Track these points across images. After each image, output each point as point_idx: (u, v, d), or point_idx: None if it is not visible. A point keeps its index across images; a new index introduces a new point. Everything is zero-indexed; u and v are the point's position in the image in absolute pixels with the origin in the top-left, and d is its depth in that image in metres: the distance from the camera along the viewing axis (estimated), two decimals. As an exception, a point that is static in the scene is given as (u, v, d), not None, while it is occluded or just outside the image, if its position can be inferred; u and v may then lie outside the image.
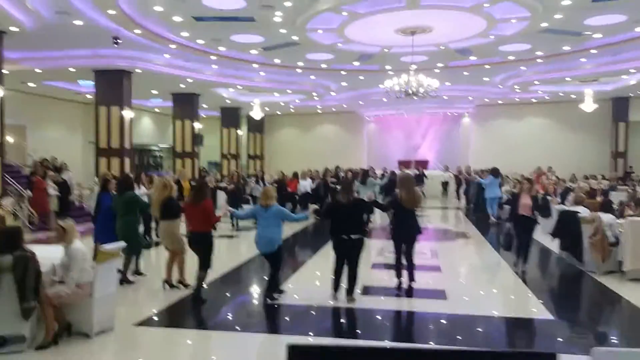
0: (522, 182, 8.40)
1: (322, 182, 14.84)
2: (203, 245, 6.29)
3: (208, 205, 6.33)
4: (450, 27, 11.82)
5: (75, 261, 4.72)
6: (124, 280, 6.96)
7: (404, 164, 22.18)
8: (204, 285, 6.39)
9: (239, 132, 23.31)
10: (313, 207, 6.88)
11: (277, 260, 6.25)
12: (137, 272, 7.52)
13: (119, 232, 6.84)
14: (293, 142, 26.43)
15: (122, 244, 5.96)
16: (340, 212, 6.17)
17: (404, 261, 6.82)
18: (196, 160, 19.44)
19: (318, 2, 9.85)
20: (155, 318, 5.81)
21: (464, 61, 15.46)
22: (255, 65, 15.48)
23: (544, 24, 11.33)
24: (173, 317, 5.98)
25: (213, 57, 14.33)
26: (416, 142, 25.03)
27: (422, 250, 9.84)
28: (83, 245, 4.91)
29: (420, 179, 14.07)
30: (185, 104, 18.92)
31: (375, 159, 24.54)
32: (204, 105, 21.18)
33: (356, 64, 15.59)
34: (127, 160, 14.87)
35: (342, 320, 5.96)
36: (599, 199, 11.00)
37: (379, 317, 5.79)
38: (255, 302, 6.58)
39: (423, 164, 23.08)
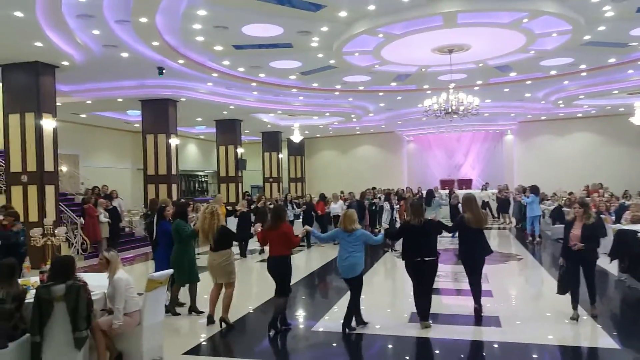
0: (575, 207, 6.46)
1: (356, 204, 14.71)
2: (283, 270, 6.13)
3: (287, 229, 6.26)
4: (488, 44, 11.69)
5: (119, 292, 4.77)
6: (169, 311, 6.86)
7: (447, 183, 21.85)
8: (283, 316, 6.27)
9: (280, 155, 23.65)
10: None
11: (359, 286, 6.16)
12: (178, 303, 7.26)
13: (172, 261, 6.78)
14: (332, 163, 26.57)
15: (170, 271, 5.83)
16: (412, 234, 6.20)
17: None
18: (240, 184, 19.82)
19: (353, 25, 9.98)
20: (205, 346, 5.82)
21: (504, 77, 15.21)
22: (294, 90, 15.76)
23: (587, 37, 11.04)
24: (225, 345, 5.98)
25: (253, 84, 14.70)
26: (458, 161, 24.66)
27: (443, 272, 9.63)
28: (126, 274, 4.97)
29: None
30: (228, 130, 19.43)
31: (416, 179, 24.32)
32: (246, 131, 21.67)
33: (394, 84, 15.61)
34: (174, 186, 15.34)
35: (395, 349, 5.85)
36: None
37: (438, 346, 5.69)
38: (319, 329, 6.35)
39: (466, 182, 22.67)
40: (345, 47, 11.09)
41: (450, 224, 7.48)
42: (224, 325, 6.35)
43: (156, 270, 6.61)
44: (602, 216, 11.50)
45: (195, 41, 10.69)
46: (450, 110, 12.87)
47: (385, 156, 25.83)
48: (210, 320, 6.46)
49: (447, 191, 18.11)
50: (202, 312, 6.83)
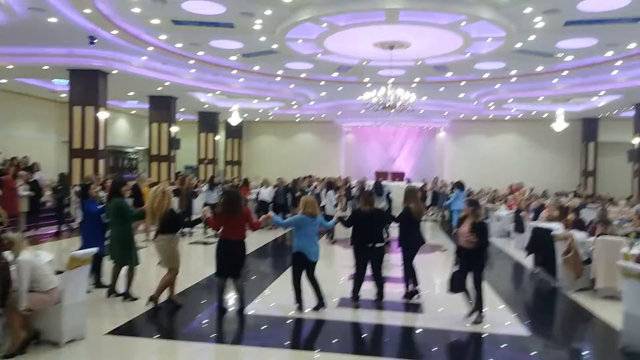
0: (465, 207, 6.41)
1: (283, 190, 14.53)
2: (239, 254, 6.11)
3: (247, 213, 6.30)
4: (427, 44, 12.05)
5: (21, 274, 4.52)
6: (112, 292, 6.61)
7: (381, 174, 22.41)
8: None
9: (217, 137, 23.19)
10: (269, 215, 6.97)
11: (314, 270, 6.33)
12: (100, 284, 6.92)
13: (113, 242, 6.46)
14: (271, 149, 26.44)
15: (93, 250, 5.54)
16: (363, 222, 6.48)
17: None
18: (172, 164, 19.25)
19: (298, 12, 9.94)
20: (130, 327, 5.68)
21: (440, 77, 15.75)
22: (234, 72, 15.48)
23: (518, 44, 11.65)
24: (147, 326, 5.89)
25: (191, 62, 14.29)
26: (393, 154, 25.32)
27: (398, 262, 9.95)
28: (31, 255, 4.70)
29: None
30: (161, 107, 18.74)
31: (353, 169, 24.72)
32: (182, 109, 21.03)
33: (335, 74, 15.73)
34: (101, 162, 14.63)
35: (317, 332, 5.95)
36: (570, 216, 11.26)
37: (353, 330, 5.87)
38: (232, 311, 6.42)
39: (399, 175, 23.33)
40: (289, 33, 11.03)
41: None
42: (151, 304, 6.25)
43: (82, 249, 6.30)
44: (521, 214, 12.28)
45: (131, 12, 10.21)
46: (388, 104, 13.17)
47: (324, 145, 26.05)
48: (154, 301, 6.26)
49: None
50: (136, 299, 6.53)
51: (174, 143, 19.04)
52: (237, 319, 6.09)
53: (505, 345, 5.53)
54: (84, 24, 10.70)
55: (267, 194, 14.44)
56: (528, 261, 9.66)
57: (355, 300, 6.55)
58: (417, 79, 16.13)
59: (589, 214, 12.03)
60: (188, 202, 13.11)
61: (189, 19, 10.61)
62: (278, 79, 16.35)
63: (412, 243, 7.02)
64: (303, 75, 15.81)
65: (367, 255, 6.47)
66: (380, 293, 6.67)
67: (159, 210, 6.13)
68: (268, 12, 10.04)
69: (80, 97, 14.33)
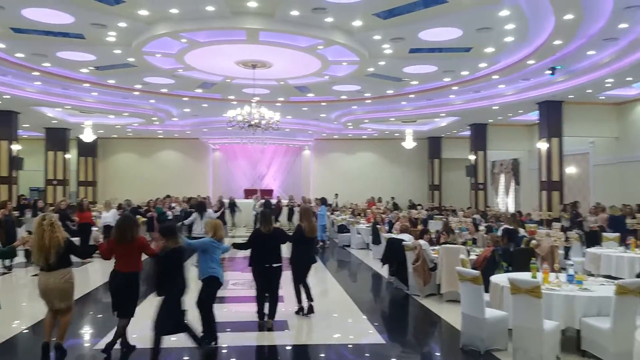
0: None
1: (131, 213, 13.23)
2: (134, 288, 5.51)
3: (143, 241, 5.63)
4: (289, 65, 12.44)
5: None
6: None
7: (250, 192, 22.43)
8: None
9: (67, 155, 21.21)
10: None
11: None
12: None
13: None
14: (131, 168, 24.91)
15: None
16: (262, 242, 6.46)
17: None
18: (14, 185, 17.16)
19: (155, 26, 9.62)
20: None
21: (302, 97, 16.34)
22: (86, 85, 14.40)
23: (371, 69, 12.58)
24: None
25: (35, 73, 12.99)
26: (261, 172, 25.52)
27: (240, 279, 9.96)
28: None
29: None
30: (1, 123, 16.70)
31: (221, 187, 24.37)
32: (25, 125, 18.94)
33: (199, 90, 15.46)
34: None
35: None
36: (420, 227, 12.34)
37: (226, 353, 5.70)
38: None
39: (268, 192, 23.56)
40: (146, 47, 10.61)
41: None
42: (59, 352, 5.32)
43: None
44: (377, 226, 13.14)
45: (-40, 15, 9.02)
46: (253, 122, 13.28)
47: (190, 163, 25.29)
48: (47, 348, 5.28)
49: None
50: None
51: (15, 163, 17.03)
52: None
53: (368, 354, 5.85)
54: None
55: (111, 217, 12.88)
56: (384, 271, 10.29)
57: (262, 319, 6.51)
58: (281, 98, 16.53)
59: (435, 225, 13.35)
60: (9, 231, 11.06)
61: (32, 27, 9.68)
62: (136, 93, 15.57)
63: (305, 261, 7.15)
64: (164, 90, 15.27)
65: (266, 275, 6.45)
66: (272, 313, 6.55)
67: (54, 246, 5.25)
68: (122, 25, 9.58)
69: None
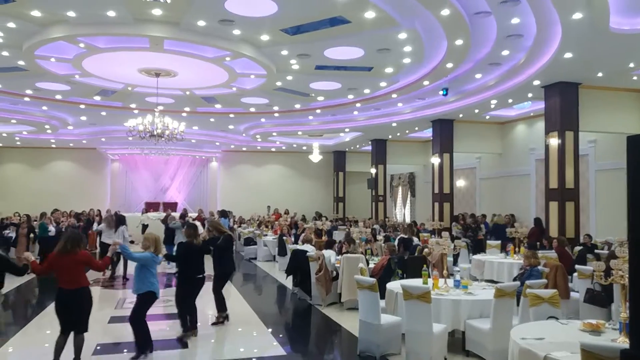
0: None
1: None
2: (86, 304, 5.35)
3: (85, 255, 5.43)
4: (195, 74, 12.25)
5: None
6: None
7: (152, 205, 21.54)
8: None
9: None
10: None
11: None
12: None
13: None
14: (20, 179, 22.88)
15: None
16: (193, 254, 6.76)
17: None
18: None
19: (50, 28, 9.06)
20: None
21: (210, 108, 16.12)
22: (-34, 88, 13.12)
23: (279, 83, 12.77)
24: None
25: None
26: (165, 184, 24.63)
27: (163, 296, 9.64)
28: None
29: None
30: None
31: (120, 200, 23.19)
32: None
33: (97, 98, 14.68)
34: None
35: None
36: (324, 238, 12.67)
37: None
38: None
39: (172, 205, 22.81)
40: (39, 50, 9.94)
41: None
42: None
43: None
44: (284, 237, 13.29)
45: None
46: (155, 132, 12.87)
47: (86, 174, 23.77)
48: None
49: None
50: None
51: None
52: None
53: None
54: None
55: None
56: (289, 282, 10.44)
57: (186, 331, 6.70)
58: (187, 108, 16.18)
59: (339, 235, 13.78)
60: None
61: None
62: (27, 99, 14.43)
63: (226, 270, 7.55)
64: (58, 97, 14.31)
65: (191, 286, 6.77)
66: (193, 324, 6.83)
67: None
68: (11, 25, 8.91)
69: None
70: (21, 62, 10.91)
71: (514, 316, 5.81)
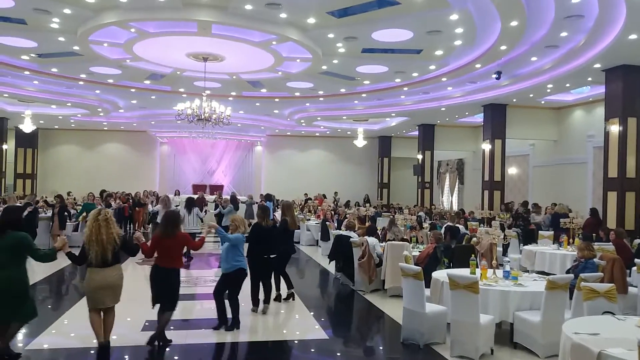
0: None
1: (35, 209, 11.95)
2: (176, 284, 5.66)
3: (185, 236, 5.87)
4: (241, 59, 12.33)
5: None
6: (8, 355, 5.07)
7: (199, 187, 22.03)
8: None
9: (4, 146, 20.11)
10: None
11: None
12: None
13: (17, 289, 4.93)
14: (73, 160, 23.92)
15: None
16: (263, 234, 7.00)
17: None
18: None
19: (103, 14, 9.30)
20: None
21: (255, 92, 16.22)
22: (26, 73, 13.70)
23: (324, 67, 12.67)
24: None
25: (-30, 58, 12.27)
26: (211, 167, 25.13)
27: (209, 276, 9.87)
28: None
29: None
30: None
31: (168, 182, 23.85)
32: (-43, 113, 17.86)
33: (147, 82, 15.05)
34: None
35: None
36: (368, 224, 12.55)
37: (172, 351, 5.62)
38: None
39: (218, 188, 23.24)
40: (93, 35, 10.24)
41: None
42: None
43: None
44: (327, 222, 13.28)
45: None
46: (203, 117, 13.07)
47: (137, 156, 24.55)
48: (106, 347, 5.20)
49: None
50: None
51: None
52: None
53: (313, 349, 5.92)
54: None
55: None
56: (332, 267, 10.41)
57: (256, 305, 7.12)
58: (233, 93, 16.34)
59: (383, 222, 13.63)
60: None
61: (-34, 8, 9.15)
62: (81, 83, 14.96)
63: (287, 251, 7.88)
64: (110, 80, 14.76)
65: (264, 266, 7.05)
66: (267, 299, 7.26)
67: (110, 242, 5.07)
68: (67, 11, 9.19)
69: None
70: (76, 47, 11.28)
71: (566, 310, 5.57)
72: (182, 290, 5.89)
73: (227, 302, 6.33)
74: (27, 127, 17.96)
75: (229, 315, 6.30)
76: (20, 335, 5.76)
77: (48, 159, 23.72)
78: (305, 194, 22.17)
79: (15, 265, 4.90)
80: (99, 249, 5.03)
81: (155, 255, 5.63)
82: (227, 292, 6.35)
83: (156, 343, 5.62)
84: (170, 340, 5.73)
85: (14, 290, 4.88)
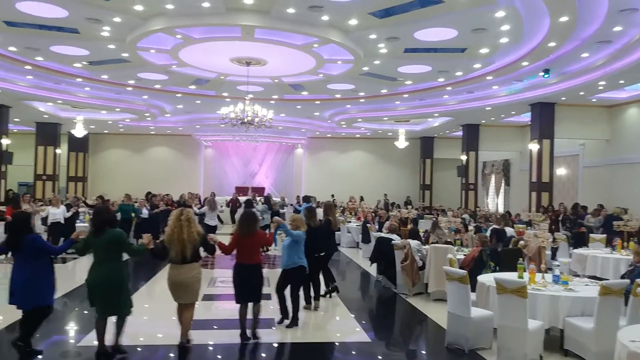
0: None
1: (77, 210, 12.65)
2: (260, 279, 5.98)
3: (262, 234, 6.23)
4: (283, 62, 12.45)
5: None
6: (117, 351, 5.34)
7: (242, 190, 22.41)
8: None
9: (58, 150, 21.10)
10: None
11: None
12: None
13: (98, 286, 5.16)
14: (122, 163, 24.81)
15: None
16: (314, 234, 7.20)
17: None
18: (2, 180, 17.05)
19: (150, 21, 9.61)
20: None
21: (296, 95, 16.35)
22: (79, 80, 14.34)
23: (365, 68, 12.62)
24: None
25: (28, 67, 12.92)
26: (253, 169, 25.50)
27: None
28: None
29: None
30: (-9, 117, 16.61)
31: (213, 185, 24.34)
32: (16, 119, 18.83)
33: (192, 87, 15.43)
34: None
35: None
36: (409, 226, 12.40)
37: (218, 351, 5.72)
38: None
39: (260, 190, 23.57)
40: (140, 42, 10.59)
41: None
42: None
43: (14, 296, 5.18)
44: (367, 224, 13.20)
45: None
46: (246, 120, 13.29)
47: (182, 160, 25.22)
48: (187, 342, 5.58)
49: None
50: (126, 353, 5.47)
51: (5, 157, 16.93)
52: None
53: (354, 352, 5.90)
54: None
55: (60, 214, 12.29)
56: (373, 269, 10.32)
57: (309, 303, 7.35)
58: (275, 96, 16.53)
59: (425, 225, 13.42)
60: None
61: (26, 20, 9.64)
62: (129, 89, 15.51)
63: (330, 250, 8.17)
64: (157, 86, 15.23)
65: (317, 262, 7.34)
66: (317, 295, 7.58)
67: (191, 240, 5.39)
68: (117, 20, 9.55)
69: None
70: (125, 54, 11.70)
71: (621, 316, 5.31)
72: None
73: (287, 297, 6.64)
74: (79, 132, 18.80)
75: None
76: (72, 332, 5.99)
77: (98, 162, 24.70)
78: (332, 195, 22.02)
79: (114, 261, 5.24)
80: (178, 247, 5.36)
81: (234, 252, 5.95)
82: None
83: (250, 339, 5.93)
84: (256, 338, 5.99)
85: (113, 283, 5.17)
